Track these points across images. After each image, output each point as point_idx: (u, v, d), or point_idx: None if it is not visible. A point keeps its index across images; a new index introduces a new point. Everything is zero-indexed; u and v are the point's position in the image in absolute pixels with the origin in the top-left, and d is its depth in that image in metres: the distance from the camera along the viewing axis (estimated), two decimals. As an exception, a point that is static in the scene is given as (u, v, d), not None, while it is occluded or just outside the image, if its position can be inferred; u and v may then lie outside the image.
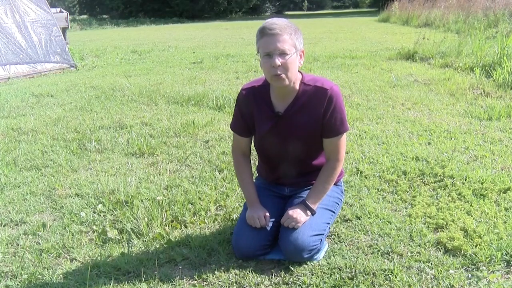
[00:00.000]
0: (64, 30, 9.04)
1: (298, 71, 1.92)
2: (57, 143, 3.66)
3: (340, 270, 1.83)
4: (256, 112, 1.99)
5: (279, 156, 2.04)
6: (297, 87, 1.92)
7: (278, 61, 1.76)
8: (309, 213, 1.92)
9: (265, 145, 2.05)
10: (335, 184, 2.11)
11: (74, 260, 2.02)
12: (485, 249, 1.91)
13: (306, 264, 1.87)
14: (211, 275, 1.84)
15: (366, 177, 2.72)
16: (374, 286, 1.73)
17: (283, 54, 1.77)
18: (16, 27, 7.34)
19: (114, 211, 2.44)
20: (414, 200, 2.41)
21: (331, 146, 1.96)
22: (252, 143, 2.14)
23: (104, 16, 33.79)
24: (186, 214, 2.35)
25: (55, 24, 8.06)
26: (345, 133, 1.96)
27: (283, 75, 1.80)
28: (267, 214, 1.97)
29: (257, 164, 2.29)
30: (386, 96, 4.73)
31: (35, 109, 4.89)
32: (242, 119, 2.03)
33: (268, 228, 1.95)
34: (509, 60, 5.22)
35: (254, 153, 2.22)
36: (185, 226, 2.26)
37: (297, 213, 1.90)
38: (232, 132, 2.14)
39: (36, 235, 2.25)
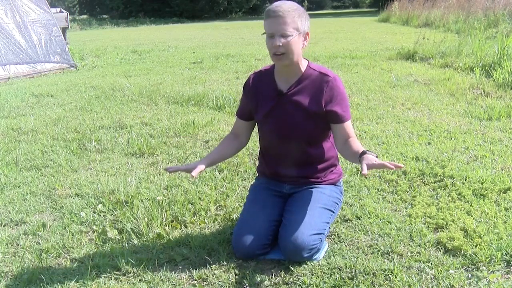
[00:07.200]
0: (64, 30, 9.03)
1: (305, 58, 2.01)
2: (57, 143, 3.66)
3: (340, 270, 1.83)
4: (260, 93, 2.07)
5: (279, 140, 2.05)
6: (303, 70, 1.99)
7: (279, 41, 1.86)
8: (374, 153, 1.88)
9: (267, 125, 2.07)
10: (334, 184, 2.13)
11: (74, 260, 2.02)
12: (485, 249, 1.91)
13: (306, 264, 1.87)
14: (211, 275, 1.84)
15: (366, 177, 2.72)
16: (374, 286, 1.73)
17: (284, 35, 1.85)
18: (16, 27, 7.34)
19: (114, 211, 2.44)
20: (414, 200, 2.41)
21: (343, 131, 1.99)
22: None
23: (104, 16, 33.78)
24: (186, 214, 2.35)
25: (55, 24, 8.05)
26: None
27: (283, 55, 1.89)
28: (202, 167, 1.92)
29: (257, 164, 2.29)
30: (386, 96, 4.73)
31: (35, 109, 4.89)
32: (245, 103, 2.13)
33: (194, 176, 1.88)
34: (509, 60, 5.22)
35: (254, 153, 2.21)
36: (185, 226, 2.26)
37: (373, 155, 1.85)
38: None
39: (36, 235, 2.25)
